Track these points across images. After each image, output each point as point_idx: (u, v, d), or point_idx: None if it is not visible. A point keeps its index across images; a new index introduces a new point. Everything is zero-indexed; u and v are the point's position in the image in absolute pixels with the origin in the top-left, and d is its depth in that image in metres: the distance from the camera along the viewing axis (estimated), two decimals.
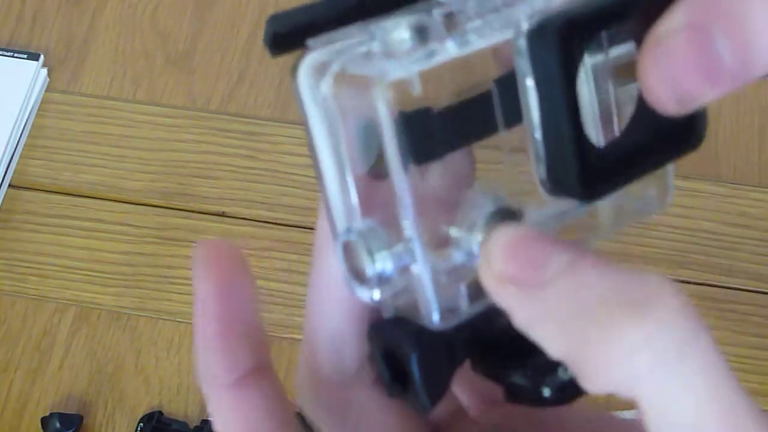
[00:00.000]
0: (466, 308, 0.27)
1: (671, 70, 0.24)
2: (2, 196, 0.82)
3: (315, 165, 0.28)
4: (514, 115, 0.26)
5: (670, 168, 0.30)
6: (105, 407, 0.75)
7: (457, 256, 0.27)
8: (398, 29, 0.26)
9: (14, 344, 0.77)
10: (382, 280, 0.27)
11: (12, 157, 0.84)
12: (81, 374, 0.76)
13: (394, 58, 0.26)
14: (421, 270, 0.26)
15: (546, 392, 0.28)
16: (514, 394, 0.28)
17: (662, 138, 0.27)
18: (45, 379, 0.76)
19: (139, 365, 0.76)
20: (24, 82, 0.86)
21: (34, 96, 0.86)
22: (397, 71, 0.25)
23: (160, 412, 0.73)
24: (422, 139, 0.27)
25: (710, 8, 0.23)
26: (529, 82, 0.24)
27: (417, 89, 0.26)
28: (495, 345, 0.29)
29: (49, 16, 0.91)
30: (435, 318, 0.26)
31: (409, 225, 0.26)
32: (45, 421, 0.72)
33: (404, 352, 0.28)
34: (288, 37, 0.27)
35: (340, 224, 0.28)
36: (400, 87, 0.25)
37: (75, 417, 0.72)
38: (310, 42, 0.27)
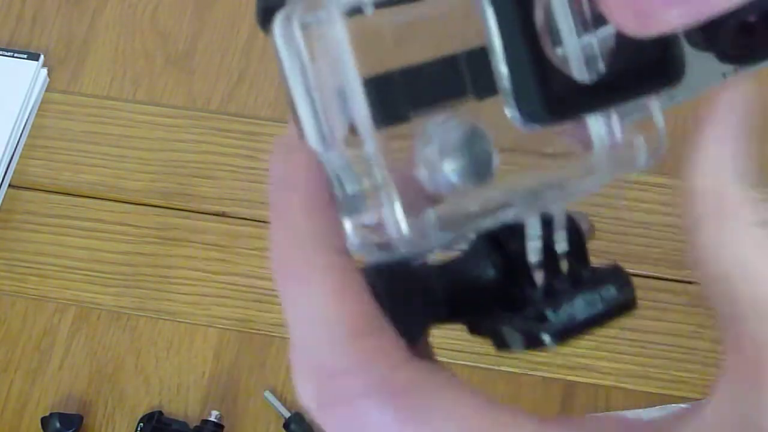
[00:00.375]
0: (436, 235, 0.28)
1: None
2: (2, 196, 0.82)
3: (289, 101, 0.29)
4: (485, 82, 0.27)
5: (661, 124, 0.30)
6: (105, 407, 0.75)
7: (423, 173, 0.28)
8: None
9: (14, 344, 0.77)
10: (351, 205, 0.28)
11: (12, 157, 0.84)
12: (81, 374, 0.76)
13: None
14: (383, 174, 0.27)
15: (546, 338, 0.29)
16: (511, 344, 0.30)
17: (637, 70, 0.28)
18: (45, 379, 0.76)
19: (139, 365, 0.76)
20: (24, 82, 0.86)
21: (34, 96, 0.86)
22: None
23: (160, 412, 0.73)
24: (388, 103, 0.28)
25: None
26: (486, 4, 0.26)
27: (369, 9, 0.27)
28: (481, 300, 0.30)
29: (49, 16, 0.91)
30: (403, 227, 0.27)
31: (368, 135, 0.27)
32: (45, 421, 0.72)
33: (377, 286, 0.28)
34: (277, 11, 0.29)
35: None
36: (354, 5, 0.26)
37: (75, 417, 0.72)
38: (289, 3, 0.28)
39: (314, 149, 0.28)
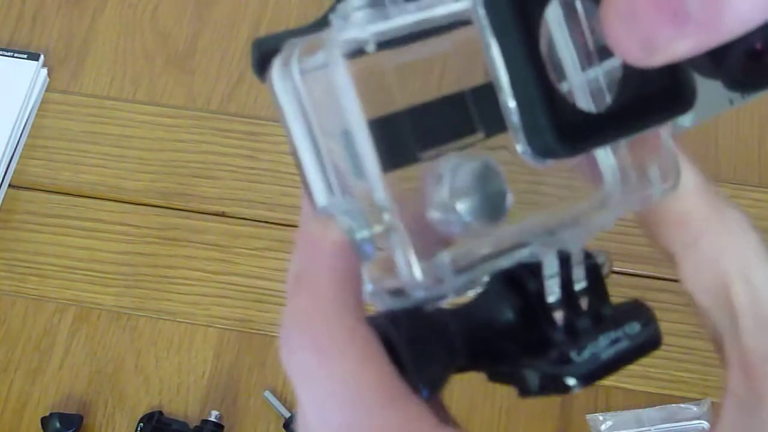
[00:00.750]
0: (451, 279, 0.27)
1: (632, 10, 0.22)
2: (2, 196, 0.82)
3: (292, 149, 0.28)
4: (493, 118, 0.26)
5: (672, 150, 0.30)
6: (105, 407, 0.75)
7: (435, 215, 0.27)
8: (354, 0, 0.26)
9: (14, 344, 0.77)
10: (362, 252, 0.27)
11: (12, 157, 0.84)
12: (81, 374, 0.76)
13: (349, 21, 0.26)
14: (394, 220, 0.26)
15: (571, 382, 0.28)
16: (535, 389, 0.28)
17: (648, 99, 0.27)
18: (45, 379, 0.76)
19: (139, 365, 0.76)
20: (24, 82, 0.86)
21: (34, 96, 0.86)
22: (351, 31, 0.26)
23: (160, 412, 0.73)
24: (395, 145, 0.27)
25: None
26: (491, 40, 0.25)
27: (371, 48, 0.26)
28: (501, 344, 0.29)
29: (49, 16, 0.91)
30: (416, 272, 0.26)
31: (376, 179, 0.26)
32: (45, 421, 0.72)
33: (394, 337, 0.27)
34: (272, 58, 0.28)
35: (320, 200, 0.28)
36: (356, 47, 0.26)
37: (75, 417, 0.72)
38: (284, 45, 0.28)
39: (323, 204, 0.27)
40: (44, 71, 0.87)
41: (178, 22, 0.90)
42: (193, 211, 0.82)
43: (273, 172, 0.83)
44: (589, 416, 0.72)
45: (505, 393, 0.74)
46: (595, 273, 0.30)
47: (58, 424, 0.71)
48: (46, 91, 0.87)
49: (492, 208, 0.27)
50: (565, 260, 0.29)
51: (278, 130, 0.85)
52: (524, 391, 0.28)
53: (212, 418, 0.72)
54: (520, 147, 0.25)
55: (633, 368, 0.31)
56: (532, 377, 0.28)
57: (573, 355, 0.28)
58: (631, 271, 0.75)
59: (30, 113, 0.86)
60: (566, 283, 0.29)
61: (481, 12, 0.24)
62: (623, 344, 0.29)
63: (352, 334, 0.26)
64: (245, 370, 0.76)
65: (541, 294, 0.29)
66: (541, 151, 0.25)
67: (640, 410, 0.72)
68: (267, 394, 0.74)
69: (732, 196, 0.81)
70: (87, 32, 0.90)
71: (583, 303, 0.30)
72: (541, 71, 0.25)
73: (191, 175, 0.83)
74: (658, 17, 0.22)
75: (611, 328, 0.29)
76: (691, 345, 0.75)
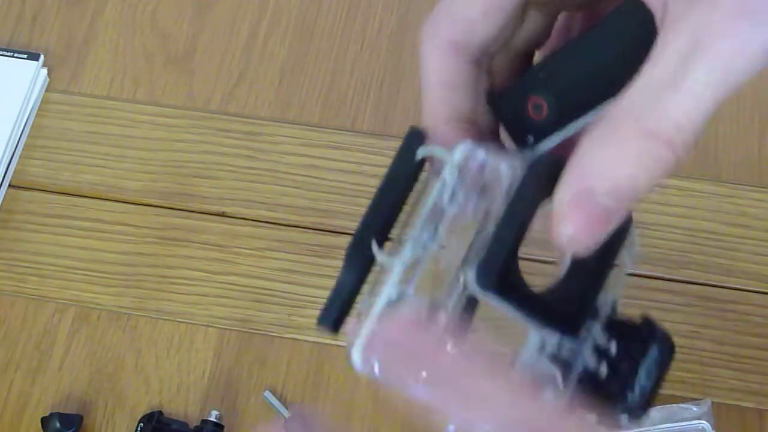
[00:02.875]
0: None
1: (569, 230, 0.32)
2: (2, 196, 0.82)
3: None
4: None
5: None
6: (105, 407, 0.75)
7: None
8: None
9: (14, 344, 0.77)
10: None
11: (12, 157, 0.84)
12: (81, 374, 0.76)
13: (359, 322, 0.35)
14: None
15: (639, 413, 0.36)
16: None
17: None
18: (45, 379, 0.76)
19: (139, 365, 0.76)
20: (24, 82, 0.86)
21: (34, 96, 0.86)
22: (354, 340, 0.34)
23: (160, 412, 0.73)
24: None
25: (584, 176, 0.32)
26: (500, 307, 0.33)
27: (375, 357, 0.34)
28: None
29: (49, 16, 0.91)
30: None
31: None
32: (45, 421, 0.72)
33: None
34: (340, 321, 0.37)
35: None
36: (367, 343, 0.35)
37: (75, 417, 0.72)
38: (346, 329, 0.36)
39: None
40: (44, 71, 0.87)
41: (178, 22, 0.90)
42: (193, 211, 0.82)
43: (273, 172, 0.83)
44: (588, 416, 0.72)
45: None
46: (611, 319, 0.38)
47: (58, 424, 0.71)
48: (46, 91, 0.87)
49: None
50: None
51: (278, 130, 0.85)
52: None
53: (212, 418, 0.72)
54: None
55: None
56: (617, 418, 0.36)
57: (629, 395, 0.36)
58: (632, 271, 0.75)
59: (30, 113, 0.86)
60: (596, 347, 0.37)
61: (477, 291, 0.33)
62: (654, 372, 0.37)
63: None
64: (245, 370, 0.76)
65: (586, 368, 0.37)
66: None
67: None
68: (267, 394, 0.74)
69: (732, 196, 0.81)
70: (87, 32, 0.90)
71: (612, 348, 0.37)
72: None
73: (191, 175, 0.83)
74: (586, 228, 0.32)
75: (642, 360, 0.37)
76: (691, 345, 0.75)
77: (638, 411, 0.36)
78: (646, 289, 0.76)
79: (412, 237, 0.35)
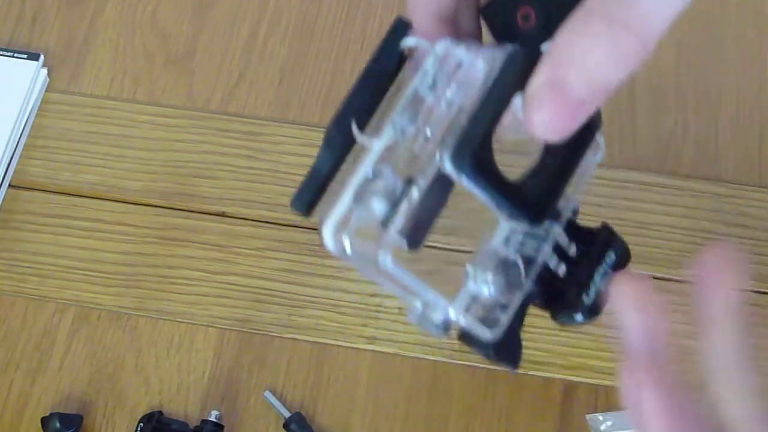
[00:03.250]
0: (504, 319, 0.38)
1: (543, 116, 0.33)
2: (2, 196, 0.82)
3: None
4: None
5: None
6: (105, 407, 0.75)
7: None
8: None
9: (14, 344, 0.77)
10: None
11: (12, 157, 0.84)
12: (81, 374, 0.76)
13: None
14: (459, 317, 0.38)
15: (578, 318, 0.39)
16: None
17: (572, 148, 0.37)
18: (45, 379, 0.76)
19: (139, 365, 0.76)
20: (24, 82, 0.86)
21: (34, 96, 0.86)
22: (325, 220, 0.37)
23: (160, 412, 0.73)
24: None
25: (559, 64, 0.33)
26: (473, 190, 0.34)
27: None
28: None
29: (49, 16, 0.91)
30: (488, 335, 0.38)
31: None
32: (45, 421, 0.72)
33: None
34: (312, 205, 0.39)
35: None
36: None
37: (75, 417, 0.72)
38: (319, 212, 0.37)
39: None
40: (44, 71, 0.87)
41: (178, 22, 0.90)
42: (193, 211, 0.82)
43: (273, 172, 0.83)
44: (589, 416, 0.72)
45: (505, 392, 0.74)
46: (571, 223, 0.40)
47: (58, 424, 0.71)
48: (46, 91, 0.87)
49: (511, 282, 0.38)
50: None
51: (278, 130, 0.85)
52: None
53: (212, 418, 0.72)
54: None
55: None
56: (566, 318, 0.39)
57: (584, 298, 0.39)
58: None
59: (30, 113, 0.86)
60: (556, 247, 0.39)
61: (451, 171, 0.34)
62: (609, 274, 0.39)
63: None
64: (245, 370, 0.76)
65: (546, 266, 0.39)
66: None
67: None
68: (267, 394, 0.74)
69: (732, 196, 0.81)
70: (87, 32, 0.90)
71: (571, 250, 0.39)
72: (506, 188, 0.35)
73: (191, 175, 0.83)
74: (559, 117, 0.34)
75: (598, 264, 0.40)
76: (691, 345, 0.75)
77: (592, 311, 0.38)
78: None
79: (392, 120, 0.36)
